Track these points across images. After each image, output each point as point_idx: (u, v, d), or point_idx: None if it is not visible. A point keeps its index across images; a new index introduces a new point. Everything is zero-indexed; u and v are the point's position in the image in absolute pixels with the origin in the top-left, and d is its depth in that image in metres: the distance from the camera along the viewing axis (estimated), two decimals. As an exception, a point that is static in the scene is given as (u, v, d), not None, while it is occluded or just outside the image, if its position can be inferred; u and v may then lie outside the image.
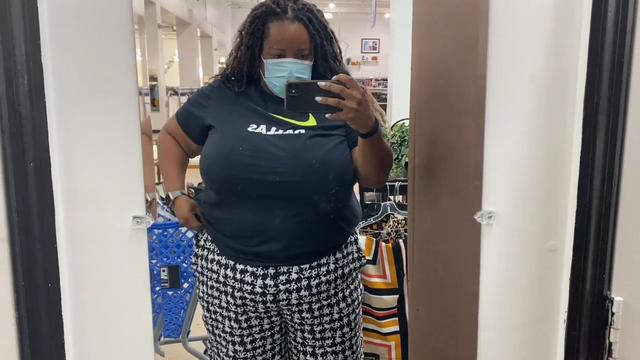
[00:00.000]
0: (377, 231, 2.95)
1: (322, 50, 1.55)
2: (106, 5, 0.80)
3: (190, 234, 2.33)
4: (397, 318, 2.78)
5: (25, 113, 0.74)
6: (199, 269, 1.67)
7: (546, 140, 0.86)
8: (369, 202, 3.09)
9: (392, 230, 2.88)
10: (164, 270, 2.30)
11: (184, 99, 10.62)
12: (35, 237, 0.77)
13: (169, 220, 2.52)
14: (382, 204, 2.97)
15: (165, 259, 2.33)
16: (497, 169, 0.85)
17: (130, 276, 0.83)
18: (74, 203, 0.81)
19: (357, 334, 1.74)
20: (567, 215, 0.84)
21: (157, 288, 2.41)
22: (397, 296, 2.71)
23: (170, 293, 2.42)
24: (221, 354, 1.68)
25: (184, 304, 2.42)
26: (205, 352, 2.99)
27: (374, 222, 2.91)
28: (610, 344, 0.84)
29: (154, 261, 2.29)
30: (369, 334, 2.92)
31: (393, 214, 2.88)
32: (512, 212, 0.86)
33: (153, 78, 10.54)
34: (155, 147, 1.93)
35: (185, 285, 2.43)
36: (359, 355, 1.77)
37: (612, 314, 0.83)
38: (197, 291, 1.71)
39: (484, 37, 0.84)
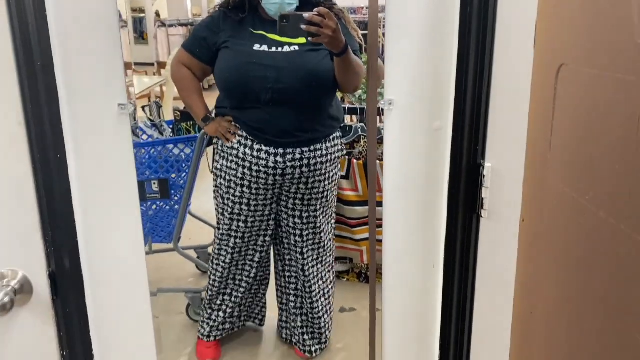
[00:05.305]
0: (349, 150, 3.18)
1: None
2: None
3: (176, 151, 2.57)
4: (368, 226, 3.06)
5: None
6: (220, 147, 2.17)
7: (434, 50, 1.09)
8: (342, 125, 3.29)
9: (362, 149, 3.12)
10: (154, 183, 2.57)
11: (172, 31, 10.55)
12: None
13: (158, 138, 2.76)
14: (354, 126, 3.18)
15: (155, 173, 2.59)
16: (396, 66, 1.09)
17: (117, 160, 1.02)
18: (70, 93, 1.02)
19: (332, 205, 2.37)
20: (449, 102, 1.07)
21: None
22: (367, 207, 2.96)
23: (161, 204, 2.69)
24: (226, 214, 2.20)
25: (174, 213, 2.69)
26: (198, 257, 3.29)
27: (346, 142, 3.13)
28: (482, 199, 1.07)
29: (147, 173, 2.55)
30: (344, 240, 3.21)
31: (363, 135, 3.10)
32: (407, 100, 1.10)
33: (141, 10, 10.42)
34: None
35: (176, 197, 2.69)
36: (332, 216, 2.42)
37: (483, 176, 1.05)
38: (216, 165, 2.20)
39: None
